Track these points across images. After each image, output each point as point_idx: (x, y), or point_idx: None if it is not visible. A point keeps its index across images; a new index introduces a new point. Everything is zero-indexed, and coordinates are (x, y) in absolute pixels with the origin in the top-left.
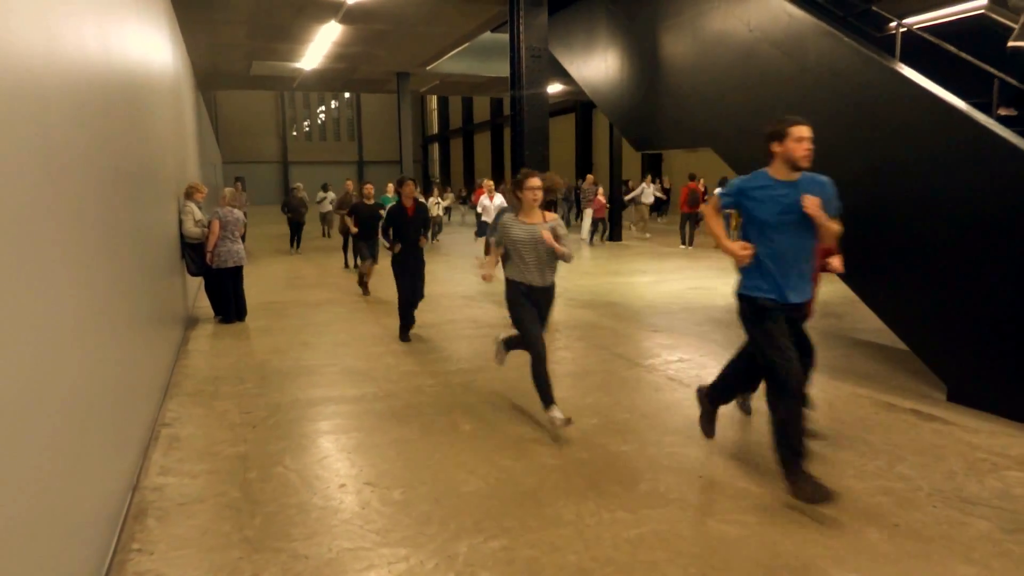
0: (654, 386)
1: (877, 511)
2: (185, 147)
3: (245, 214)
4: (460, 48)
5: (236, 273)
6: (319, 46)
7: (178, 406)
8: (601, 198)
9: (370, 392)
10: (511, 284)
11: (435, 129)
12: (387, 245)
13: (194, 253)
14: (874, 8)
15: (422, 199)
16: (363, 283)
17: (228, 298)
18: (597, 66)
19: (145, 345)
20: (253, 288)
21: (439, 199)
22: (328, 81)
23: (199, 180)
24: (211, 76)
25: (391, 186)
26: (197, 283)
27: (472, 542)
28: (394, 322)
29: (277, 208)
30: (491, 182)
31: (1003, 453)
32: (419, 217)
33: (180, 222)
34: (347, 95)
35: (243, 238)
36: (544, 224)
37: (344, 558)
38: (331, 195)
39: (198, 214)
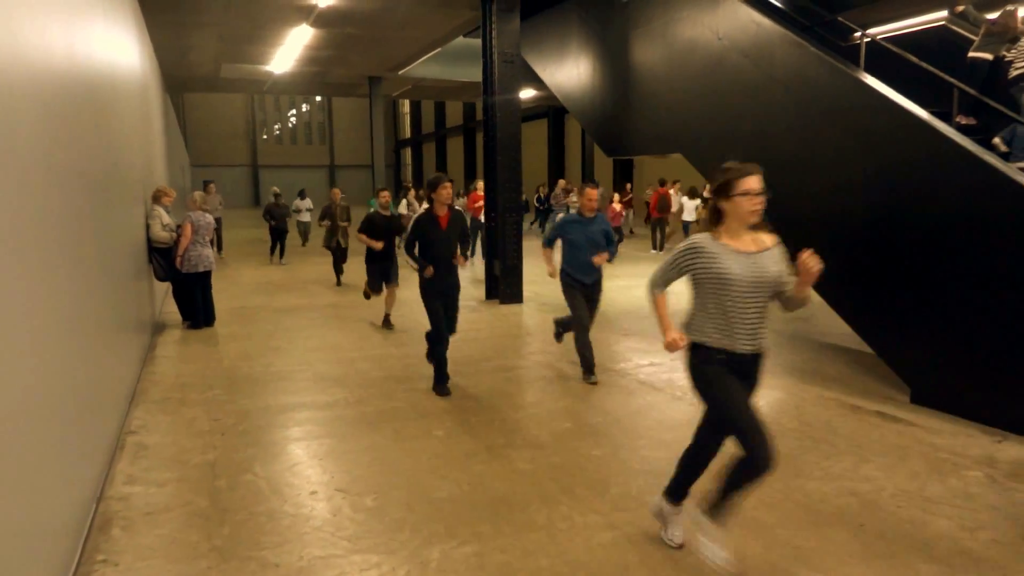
0: (626, 390)
1: (843, 512)
2: (152, 150)
3: (219, 220)
4: (432, 53)
5: (205, 278)
6: (290, 49)
7: (145, 413)
8: (616, 206)
9: (342, 398)
10: (703, 354)
11: (407, 133)
12: (413, 266)
13: (161, 258)
14: (839, 18)
15: (458, 206)
16: (387, 318)
17: (196, 303)
18: (569, 72)
19: (110, 352)
20: (222, 293)
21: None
22: (299, 84)
23: (167, 184)
24: (180, 79)
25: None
26: (165, 288)
27: (444, 548)
28: (364, 326)
29: (245, 212)
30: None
31: (963, 453)
32: (454, 229)
33: (147, 226)
34: (318, 99)
35: (219, 243)
36: (770, 252)
37: (315, 566)
38: (308, 202)
39: (166, 218)
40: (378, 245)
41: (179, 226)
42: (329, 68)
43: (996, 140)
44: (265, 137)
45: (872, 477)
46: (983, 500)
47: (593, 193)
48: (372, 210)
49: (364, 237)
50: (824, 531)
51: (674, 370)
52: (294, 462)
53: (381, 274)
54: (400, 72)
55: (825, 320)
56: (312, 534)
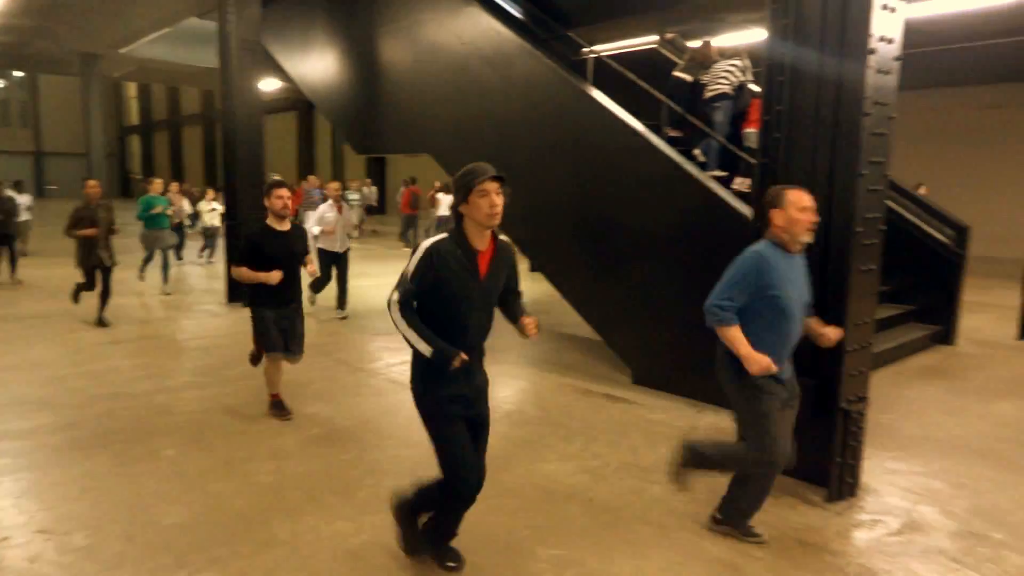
0: (376, 390)
1: (576, 488)
2: None
3: None
4: (160, 32)
5: None
6: None
7: None
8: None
9: (47, 423)
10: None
11: (135, 119)
12: (419, 349)
13: None
14: (570, 34)
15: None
16: (278, 402)
17: None
18: (315, 65)
19: None
20: None
21: (214, 204)
22: None
23: None
24: None
25: (157, 183)
26: None
27: None
28: (79, 337)
29: None
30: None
31: (672, 425)
32: (498, 276)
33: None
34: (18, 74)
35: None
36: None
37: None
38: (27, 198)
39: None
40: (274, 278)
41: None
42: (30, 39)
43: (696, 151)
44: None
45: (600, 454)
46: None
47: (808, 200)
48: (257, 224)
49: (246, 272)
50: (559, 508)
51: None
52: None
53: (284, 329)
54: (121, 51)
55: (563, 312)
56: None
